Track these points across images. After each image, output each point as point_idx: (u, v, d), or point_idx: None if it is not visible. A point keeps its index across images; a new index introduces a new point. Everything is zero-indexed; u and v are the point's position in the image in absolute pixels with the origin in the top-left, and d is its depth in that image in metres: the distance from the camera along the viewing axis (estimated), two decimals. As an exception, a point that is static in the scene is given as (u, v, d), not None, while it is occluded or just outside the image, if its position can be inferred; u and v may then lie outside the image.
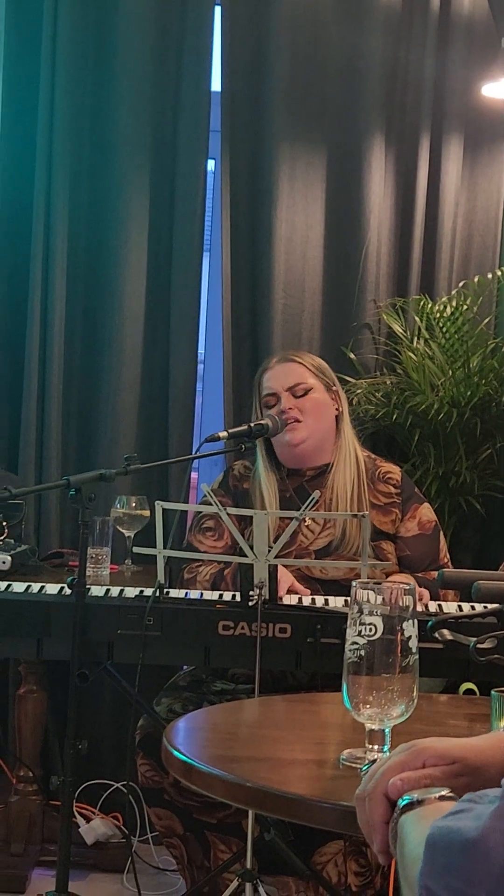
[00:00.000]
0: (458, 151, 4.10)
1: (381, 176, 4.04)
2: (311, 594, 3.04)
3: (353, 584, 1.65)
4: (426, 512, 3.31)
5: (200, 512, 3.28)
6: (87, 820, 3.62)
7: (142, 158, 3.96)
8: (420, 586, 3.05)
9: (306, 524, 3.18)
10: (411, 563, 3.23)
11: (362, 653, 1.61)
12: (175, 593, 2.95)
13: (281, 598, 2.90)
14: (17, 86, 3.94)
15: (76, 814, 3.57)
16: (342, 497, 3.21)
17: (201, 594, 2.95)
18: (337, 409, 3.32)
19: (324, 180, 4.07)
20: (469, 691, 2.65)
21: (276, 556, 2.70)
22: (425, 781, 1.19)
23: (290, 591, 2.99)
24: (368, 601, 1.62)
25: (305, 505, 2.78)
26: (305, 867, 2.85)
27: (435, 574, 3.17)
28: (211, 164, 4.08)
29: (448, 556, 3.35)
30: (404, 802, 1.16)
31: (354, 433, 3.37)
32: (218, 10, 3.99)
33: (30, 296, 3.86)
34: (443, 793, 1.15)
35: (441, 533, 3.34)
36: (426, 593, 3.03)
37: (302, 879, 2.94)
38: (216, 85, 4.02)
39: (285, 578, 2.99)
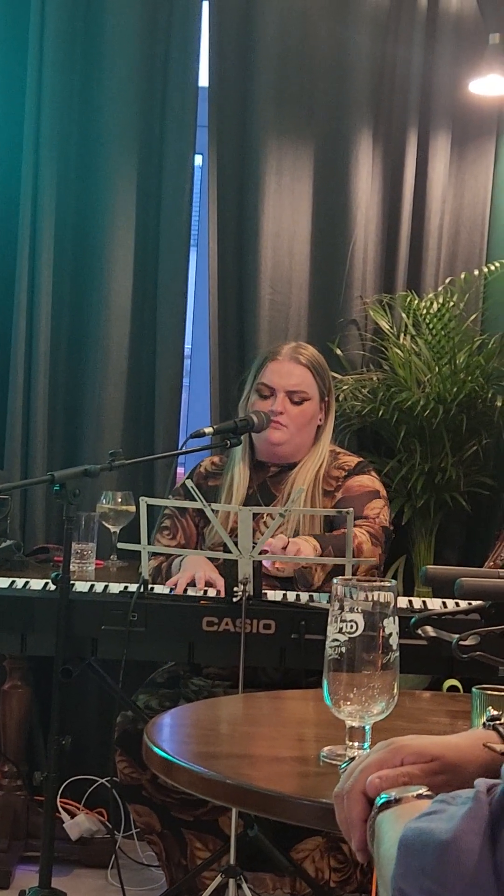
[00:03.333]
0: (445, 148, 4.10)
1: (368, 172, 4.03)
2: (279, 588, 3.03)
3: (335, 580, 1.65)
4: (361, 479, 3.22)
5: (165, 511, 3.29)
6: (72, 815, 3.62)
7: (129, 153, 3.96)
8: (319, 542, 2.97)
9: (263, 520, 3.17)
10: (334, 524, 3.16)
11: (343, 649, 1.61)
12: (159, 589, 2.94)
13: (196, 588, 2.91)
14: (4, 80, 3.93)
15: (61, 809, 3.57)
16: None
17: (185, 590, 2.94)
18: (320, 421, 3.30)
19: (311, 176, 4.06)
20: (453, 688, 2.65)
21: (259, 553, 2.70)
22: (403, 779, 1.19)
23: (208, 584, 2.96)
24: (350, 598, 1.62)
25: (291, 500, 2.78)
26: (289, 863, 2.85)
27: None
28: (198, 160, 4.07)
29: (386, 520, 3.18)
30: (382, 801, 1.15)
31: (330, 445, 3.31)
32: (206, 5, 3.98)
33: (16, 290, 3.85)
34: (420, 791, 1.15)
35: (380, 499, 3.20)
36: (305, 547, 2.89)
37: (279, 876, 2.94)
38: (203, 80, 4.01)
39: (197, 567, 2.99)
